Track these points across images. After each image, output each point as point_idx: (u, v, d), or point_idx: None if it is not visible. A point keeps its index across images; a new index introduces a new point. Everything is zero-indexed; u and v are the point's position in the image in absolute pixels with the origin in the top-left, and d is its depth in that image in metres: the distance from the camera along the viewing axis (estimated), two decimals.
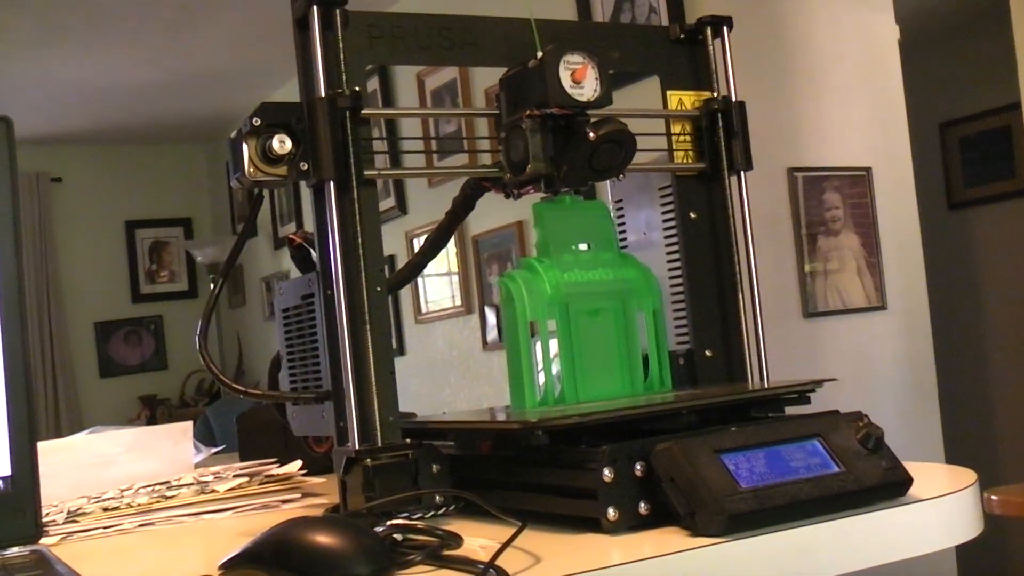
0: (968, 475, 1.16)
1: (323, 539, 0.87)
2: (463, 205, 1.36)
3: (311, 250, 1.28)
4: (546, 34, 1.31)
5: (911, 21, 4.00)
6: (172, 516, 1.42)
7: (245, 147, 1.21)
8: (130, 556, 1.26)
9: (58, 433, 6.83)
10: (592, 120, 1.26)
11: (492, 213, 4.56)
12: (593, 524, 1.01)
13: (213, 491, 1.47)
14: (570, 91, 1.23)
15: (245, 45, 5.84)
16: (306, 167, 1.21)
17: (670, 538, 0.98)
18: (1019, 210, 4.94)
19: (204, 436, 5.98)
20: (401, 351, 5.44)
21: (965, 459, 1.50)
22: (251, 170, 1.21)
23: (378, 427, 1.19)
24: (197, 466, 1.66)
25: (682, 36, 1.46)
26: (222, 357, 7.83)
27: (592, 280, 1.30)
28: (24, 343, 1.13)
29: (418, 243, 5.28)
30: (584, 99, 1.24)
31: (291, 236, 1.36)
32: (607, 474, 1.00)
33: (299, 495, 1.48)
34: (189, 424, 1.70)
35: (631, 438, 1.04)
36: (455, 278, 5.04)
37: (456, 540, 0.98)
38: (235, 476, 1.50)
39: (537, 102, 1.24)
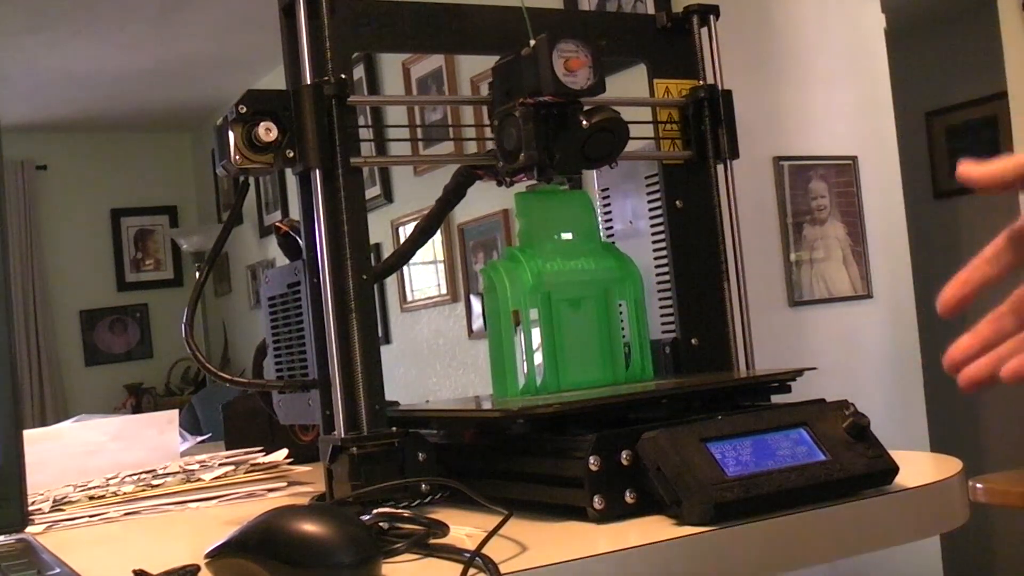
0: (954, 464, 1.16)
1: (309, 528, 0.87)
2: (454, 192, 1.36)
3: (298, 238, 1.28)
4: (533, 22, 1.31)
5: (897, 10, 4.00)
6: (158, 505, 1.42)
7: (231, 135, 1.20)
8: (116, 545, 1.26)
9: (43, 421, 6.81)
10: (585, 108, 1.26)
11: (478, 201, 4.55)
12: (579, 513, 1.02)
13: (199, 480, 1.47)
14: (563, 79, 1.22)
15: (231, 32, 5.82)
16: (292, 155, 1.21)
17: (656, 527, 0.98)
18: (1005, 200, 4.94)
19: (190, 425, 5.97)
20: (387, 339, 5.43)
21: (950, 448, 1.51)
22: (237, 158, 1.21)
23: (364, 415, 1.19)
24: (183, 455, 1.66)
25: (669, 24, 1.46)
26: (208, 346, 7.81)
27: (574, 270, 1.30)
28: (9, 331, 1.12)
29: (404, 231, 5.27)
30: (578, 87, 1.23)
31: (278, 224, 1.36)
32: (593, 463, 1.00)
33: (285, 484, 1.48)
34: (175, 412, 1.70)
35: (617, 427, 1.04)
36: (441, 266, 5.03)
37: (442, 529, 0.98)
38: (221, 465, 1.50)
39: (530, 90, 1.23)
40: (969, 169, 0.74)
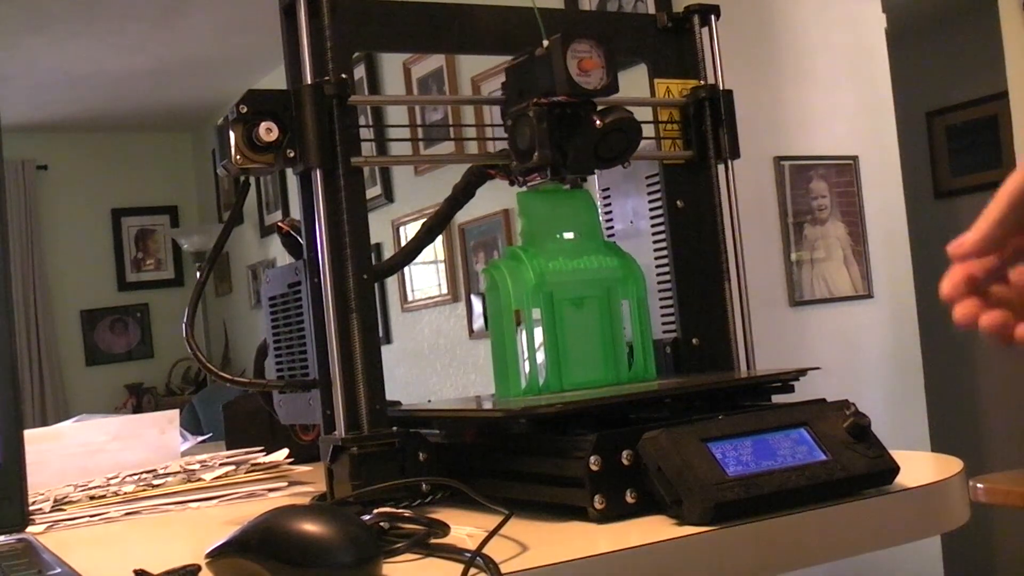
0: (954, 463, 1.16)
1: (310, 527, 0.87)
2: (464, 192, 1.36)
3: (299, 237, 1.28)
4: (533, 21, 1.31)
5: (898, 10, 4.00)
6: (158, 505, 1.42)
7: (232, 134, 1.20)
8: (116, 545, 1.26)
9: (44, 421, 6.81)
10: (598, 108, 1.26)
11: (479, 201, 4.53)
12: (580, 512, 1.02)
13: (199, 480, 1.47)
14: (577, 79, 1.22)
15: (232, 32, 5.82)
16: (293, 155, 1.21)
17: (657, 527, 0.98)
18: None
19: (190, 424, 5.97)
20: (388, 339, 5.43)
21: (951, 448, 1.51)
22: (238, 157, 1.21)
23: (365, 415, 1.19)
24: (183, 454, 1.66)
25: (670, 24, 1.46)
26: (208, 345, 7.81)
27: (576, 269, 1.30)
28: (10, 331, 1.12)
29: (404, 231, 5.28)
30: (591, 87, 1.23)
31: (279, 224, 1.36)
32: (594, 463, 1.00)
33: (286, 484, 1.48)
34: (175, 412, 1.70)
35: (618, 427, 1.04)
36: (441, 266, 5.03)
37: (443, 528, 0.98)
38: (221, 465, 1.50)
39: (544, 90, 1.24)
40: (958, 244, 0.72)
